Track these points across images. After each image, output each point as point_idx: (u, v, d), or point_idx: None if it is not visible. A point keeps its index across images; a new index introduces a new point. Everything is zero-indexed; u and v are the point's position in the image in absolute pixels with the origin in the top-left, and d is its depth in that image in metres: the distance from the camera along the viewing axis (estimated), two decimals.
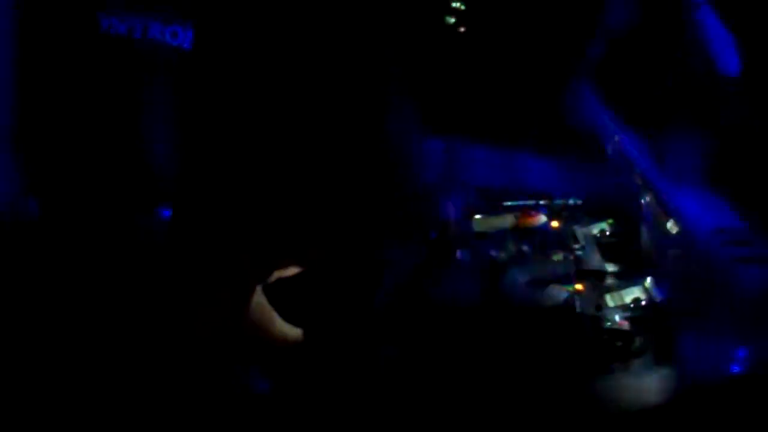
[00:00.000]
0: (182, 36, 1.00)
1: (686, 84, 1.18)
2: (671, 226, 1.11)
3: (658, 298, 1.05)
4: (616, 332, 1.01)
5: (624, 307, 1.04)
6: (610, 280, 1.10)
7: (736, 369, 0.90)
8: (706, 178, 1.09)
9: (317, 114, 1.00)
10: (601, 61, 1.29)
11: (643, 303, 1.05)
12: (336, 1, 1.04)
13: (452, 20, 1.35)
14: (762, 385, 0.89)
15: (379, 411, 0.95)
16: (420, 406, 0.95)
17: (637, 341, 1.00)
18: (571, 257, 1.12)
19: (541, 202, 1.23)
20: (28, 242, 0.98)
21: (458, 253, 1.13)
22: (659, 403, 0.94)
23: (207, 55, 1.01)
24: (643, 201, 1.16)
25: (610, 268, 1.12)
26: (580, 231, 1.17)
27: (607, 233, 1.18)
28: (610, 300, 1.06)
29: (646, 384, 0.96)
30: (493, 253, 1.12)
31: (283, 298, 0.92)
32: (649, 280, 1.08)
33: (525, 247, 1.14)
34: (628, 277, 1.10)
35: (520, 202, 1.23)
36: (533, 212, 1.20)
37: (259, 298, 0.90)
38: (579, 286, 1.06)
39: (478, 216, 1.19)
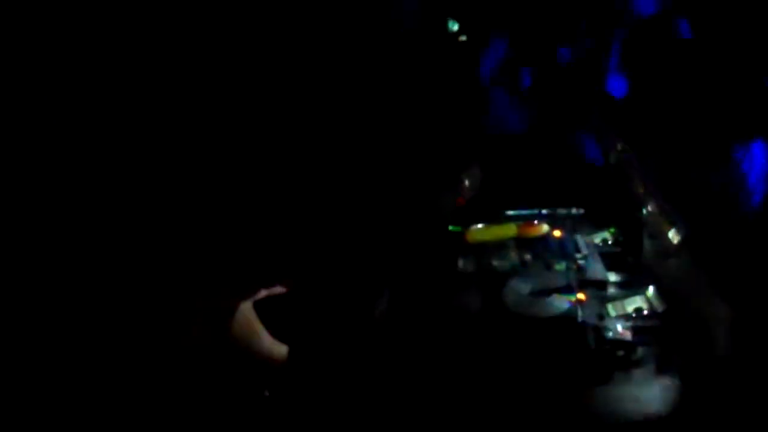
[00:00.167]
0: None
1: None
2: (673, 235, 1.11)
3: (660, 307, 1.05)
4: (618, 342, 1.01)
5: (626, 317, 1.04)
6: (612, 290, 1.10)
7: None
8: None
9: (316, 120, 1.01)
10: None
11: (645, 312, 1.05)
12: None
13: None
14: (761, 392, 0.90)
15: (381, 420, 0.96)
16: (422, 416, 0.96)
17: (639, 351, 1.00)
18: (574, 267, 1.12)
19: (544, 212, 1.23)
20: None
21: (460, 263, 1.13)
22: (661, 413, 0.94)
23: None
24: (645, 210, 1.16)
25: (612, 277, 1.12)
26: (582, 240, 1.17)
27: (610, 243, 1.18)
28: (612, 309, 1.06)
29: (648, 394, 0.96)
30: (496, 262, 1.13)
31: (270, 314, 0.92)
32: (651, 289, 1.08)
33: (527, 257, 1.14)
34: (630, 287, 1.10)
35: (523, 212, 1.23)
36: (535, 222, 1.20)
37: (246, 314, 0.91)
38: (581, 296, 1.06)
39: (480, 225, 1.19)
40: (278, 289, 0.90)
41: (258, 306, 0.93)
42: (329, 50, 1.06)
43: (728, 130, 1.18)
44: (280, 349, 0.94)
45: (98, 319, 0.87)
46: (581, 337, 1.01)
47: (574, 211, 1.23)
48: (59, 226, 0.95)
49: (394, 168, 1.12)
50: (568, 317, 1.03)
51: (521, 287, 1.08)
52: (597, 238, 1.19)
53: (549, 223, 1.19)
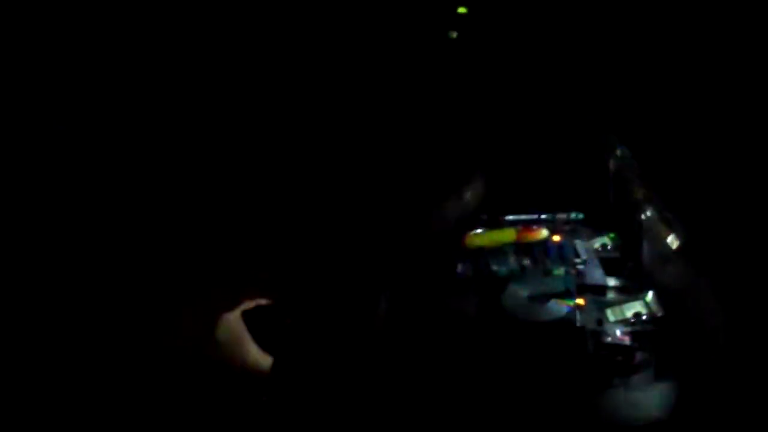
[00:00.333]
0: None
1: None
2: (672, 240, 1.11)
3: (659, 312, 1.05)
4: (617, 347, 1.01)
5: (625, 322, 1.04)
6: (611, 295, 1.10)
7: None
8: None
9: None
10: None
11: (644, 318, 1.05)
12: None
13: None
14: (760, 397, 0.89)
15: (380, 424, 0.95)
16: (421, 420, 0.95)
17: (638, 356, 1.00)
18: (573, 272, 1.12)
19: (543, 216, 1.23)
20: None
21: (459, 268, 1.13)
22: (659, 418, 0.94)
23: None
24: (644, 215, 1.16)
25: (612, 282, 1.12)
26: (581, 245, 1.17)
27: (609, 248, 1.18)
28: (611, 314, 1.05)
29: (647, 399, 0.96)
30: (494, 267, 1.13)
31: (258, 325, 0.92)
32: (650, 294, 1.08)
33: (526, 262, 1.14)
34: (629, 292, 1.10)
35: (522, 216, 1.23)
36: (535, 226, 1.20)
37: (234, 324, 0.91)
38: (580, 301, 1.06)
39: (479, 230, 1.19)
40: (266, 300, 0.90)
41: (247, 316, 0.93)
42: (331, 57, 1.06)
43: (728, 135, 1.18)
44: (267, 360, 0.94)
45: (83, 323, 0.87)
46: (580, 342, 1.01)
47: (573, 215, 1.23)
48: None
49: (394, 175, 1.12)
50: (566, 322, 1.03)
51: (520, 292, 1.07)
52: (596, 243, 1.19)
53: (548, 228, 1.19)
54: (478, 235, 1.18)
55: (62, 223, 0.97)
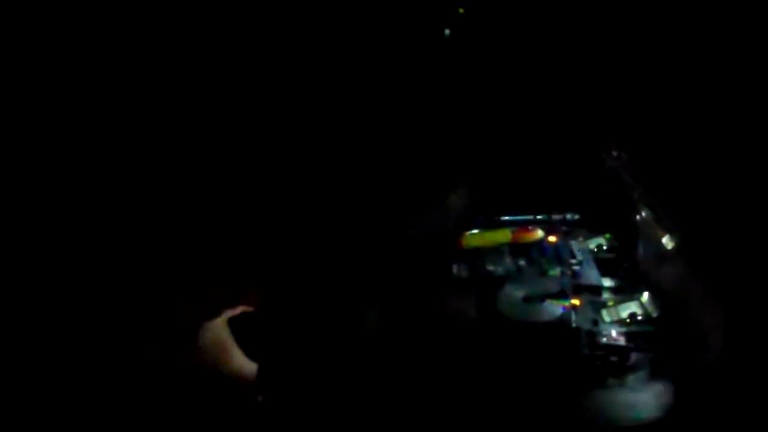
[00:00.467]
0: None
1: None
2: (668, 241, 1.11)
3: (654, 313, 1.05)
4: (612, 347, 1.01)
5: (620, 322, 1.04)
6: (606, 295, 1.10)
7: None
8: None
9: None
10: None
11: (640, 318, 1.05)
12: None
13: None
14: (756, 398, 0.89)
15: (376, 427, 0.95)
16: (417, 422, 0.95)
17: (633, 356, 1.00)
18: (568, 272, 1.12)
19: (538, 217, 1.23)
20: None
21: (454, 269, 1.13)
22: (655, 419, 0.94)
23: None
24: (639, 216, 1.16)
25: (607, 283, 1.11)
26: (577, 246, 1.17)
27: (604, 248, 1.18)
28: (606, 315, 1.05)
29: (642, 399, 0.96)
30: (490, 268, 1.13)
31: (243, 332, 0.92)
32: (645, 295, 1.08)
33: (522, 262, 1.14)
34: (624, 292, 1.10)
35: (517, 217, 1.23)
36: (530, 227, 1.20)
37: (218, 332, 0.91)
38: (575, 301, 1.06)
39: (474, 231, 1.19)
40: (249, 307, 0.90)
41: (232, 324, 0.93)
42: (328, 61, 1.06)
43: (724, 136, 1.18)
44: (251, 368, 0.93)
45: (69, 326, 0.87)
46: (575, 342, 1.01)
47: (568, 216, 1.23)
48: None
49: (382, 179, 1.12)
50: (562, 323, 1.03)
51: (515, 293, 1.07)
52: (592, 244, 1.19)
53: (543, 229, 1.19)
54: (474, 236, 1.18)
55: (51, 224, 0.97)
